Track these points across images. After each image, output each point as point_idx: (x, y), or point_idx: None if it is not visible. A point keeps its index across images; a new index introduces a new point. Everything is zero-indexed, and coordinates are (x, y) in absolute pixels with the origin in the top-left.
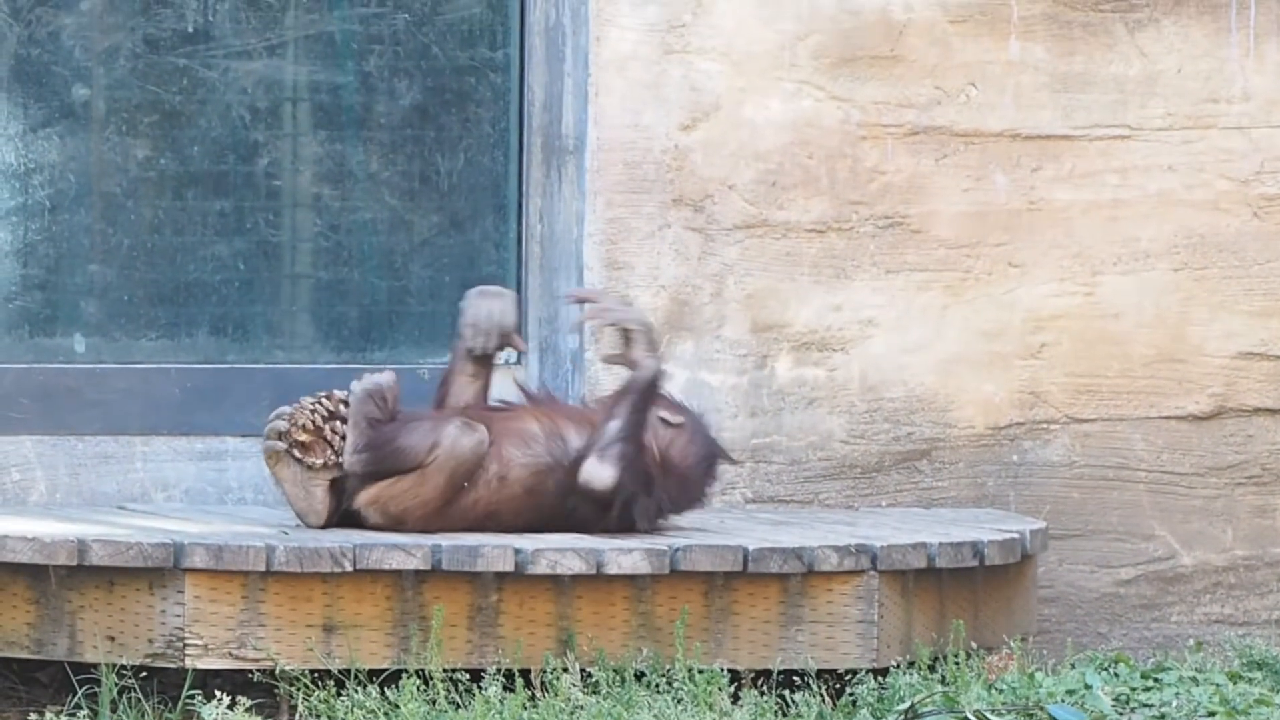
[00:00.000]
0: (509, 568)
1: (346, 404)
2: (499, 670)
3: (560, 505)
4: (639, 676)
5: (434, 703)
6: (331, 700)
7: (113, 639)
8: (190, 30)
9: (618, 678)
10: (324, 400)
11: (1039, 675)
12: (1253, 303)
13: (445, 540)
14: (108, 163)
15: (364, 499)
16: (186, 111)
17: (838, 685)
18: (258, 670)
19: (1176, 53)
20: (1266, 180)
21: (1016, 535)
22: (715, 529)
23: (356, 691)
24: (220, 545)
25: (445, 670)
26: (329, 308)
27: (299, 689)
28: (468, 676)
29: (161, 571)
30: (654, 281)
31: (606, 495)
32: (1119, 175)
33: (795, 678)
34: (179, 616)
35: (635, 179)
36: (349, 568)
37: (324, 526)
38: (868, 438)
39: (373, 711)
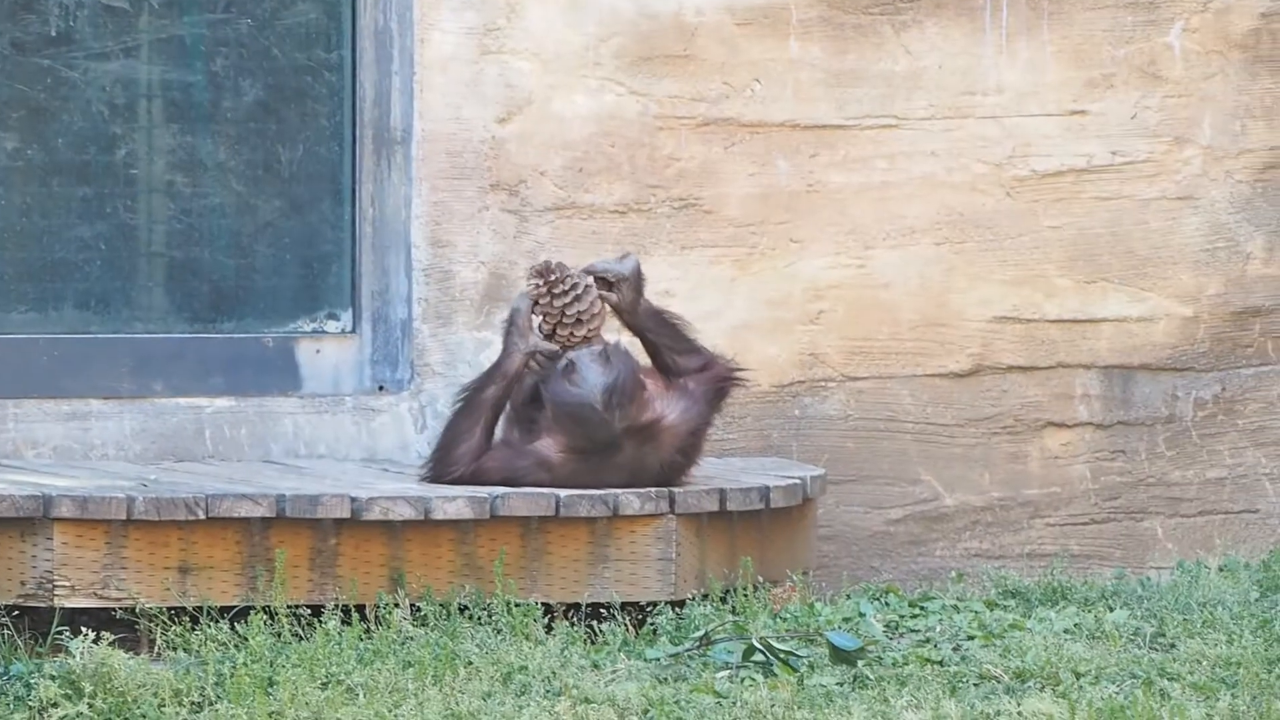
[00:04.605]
0: (345, 514)
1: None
2: (337, 606)
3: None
4: (463, 610)
5: (279, 635)
6: (187, 634)
7: None
8: (53, 34)
9: (444, 612)
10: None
11: (819, 605)
12: (1006, 273)
13: (288, 490)
14: None
15: None
16: (51, 107)
17: (640, 616)
18: (120, 608)
19: (938, 50)
20: (1018, 164)
21: (798, 481)
22: None
23: (209, 626)
24: (85, 497)
25: (289, 606)
26: (182, 283)
27: (158, 625)
28: (309, 612)
29: (32, 521)
30: (474, 258)
31: None
32: (887, 160)
33: (602, 610)
34: (48, 561)
35: (457, 166)
36: (202, 516)
37: None
38: None
39: (224, 644)
